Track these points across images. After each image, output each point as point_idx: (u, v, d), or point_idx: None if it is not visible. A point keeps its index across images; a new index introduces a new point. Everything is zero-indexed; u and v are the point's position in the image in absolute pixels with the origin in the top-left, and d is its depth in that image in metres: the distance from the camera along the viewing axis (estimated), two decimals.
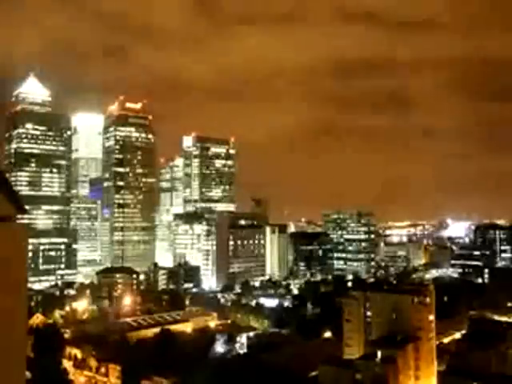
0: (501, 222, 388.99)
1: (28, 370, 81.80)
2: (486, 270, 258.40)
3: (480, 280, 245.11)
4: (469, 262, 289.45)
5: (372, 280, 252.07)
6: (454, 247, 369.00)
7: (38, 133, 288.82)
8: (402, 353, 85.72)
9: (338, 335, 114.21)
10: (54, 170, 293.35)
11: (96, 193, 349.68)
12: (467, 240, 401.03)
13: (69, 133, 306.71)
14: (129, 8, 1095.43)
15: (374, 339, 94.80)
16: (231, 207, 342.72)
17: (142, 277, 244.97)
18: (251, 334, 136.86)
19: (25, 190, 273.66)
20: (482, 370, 73.36)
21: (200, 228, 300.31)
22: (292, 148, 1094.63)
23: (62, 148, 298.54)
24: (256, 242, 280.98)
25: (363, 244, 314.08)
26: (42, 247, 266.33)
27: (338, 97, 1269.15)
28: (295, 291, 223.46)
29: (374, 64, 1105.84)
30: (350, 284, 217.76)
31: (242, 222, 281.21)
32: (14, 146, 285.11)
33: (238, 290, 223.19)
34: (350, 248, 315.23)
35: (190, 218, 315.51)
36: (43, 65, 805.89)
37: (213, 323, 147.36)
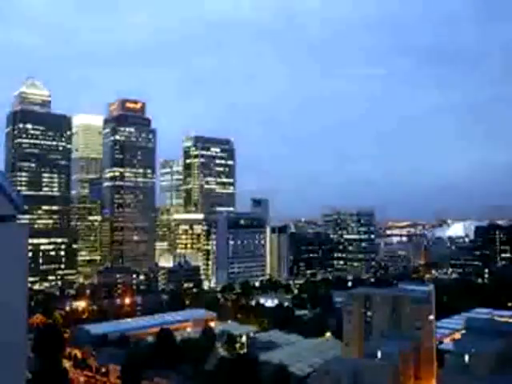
0: (501, 222, 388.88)
1: (28, 370, 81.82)
2: (486, 270, 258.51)
3: (480, 280, 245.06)
4: (469, 262, 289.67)
5: (372, 280, 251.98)
6: (454, 247, 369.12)
7: (38, 133, 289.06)
8: (402, 353, 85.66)
9: (338, 335, 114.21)
10: (54, 170, 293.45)
11: (96, 193, 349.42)
12: (467, 240, 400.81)
13: (69, 133, 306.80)
14: None
15: (374, 339, 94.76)
16: (231, 207, 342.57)
17: (141, 277, 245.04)
18: (251, 334, 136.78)
19: (25, 190, 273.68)
20: (482, 370, 73.23)
21: (200, 228, 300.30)
22: None
23: (61, 148, 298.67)
24: (256, 242, 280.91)
25: (363, 244, 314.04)
26: (42, 247, 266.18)
27: None
28: (295, 291, 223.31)
29: None
30: (350, 284, 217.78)
31: (242, 222, 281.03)
32: (14, 146, 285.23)
33: (238, 289, 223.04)
34: (350, 248, 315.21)
35: (190, 218, 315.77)
36: None
37: (213, 323, 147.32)
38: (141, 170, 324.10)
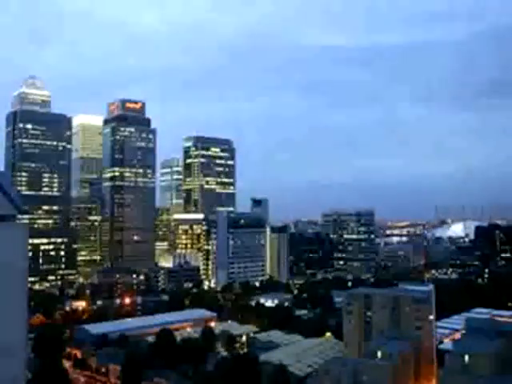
0: (501, 222, 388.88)
1: (28, 370, 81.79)
2: (486, 270, 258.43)
3: (480, 280, 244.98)
4: (469, 262, 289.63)
5: (372, 280, 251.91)
6: (454, 247, 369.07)
7: (38, 133, 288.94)
8: (402, 353, 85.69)
9: (338, 335, 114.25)
10: (54, 170, 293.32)
11: (96, 193, 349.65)
12: (467, 240, 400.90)
13: (69, 133, 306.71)
14: None
15: (374, 339, 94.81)
16: (231, 207, 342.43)
17: (141, 277, 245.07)
18: (251, 334, 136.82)
19: (25, 190, 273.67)
20: (482, 370, 73.26)
21: (200, 228, 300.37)
22: None
23: (61, 148, 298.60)
24: (256, 242, 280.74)
25: (363, 244, 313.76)
26: (42, 247, 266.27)
27: None
28: (295, 291, 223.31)
29: None
30: (350, 284, 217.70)
31: (242, 222, 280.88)
32: (14, 146, 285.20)
33: (238, 289, 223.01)
34: (350, 248, 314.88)
35: (190, 218, 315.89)
36: None
37: (213, 323, 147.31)
38: (141, 170, 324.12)
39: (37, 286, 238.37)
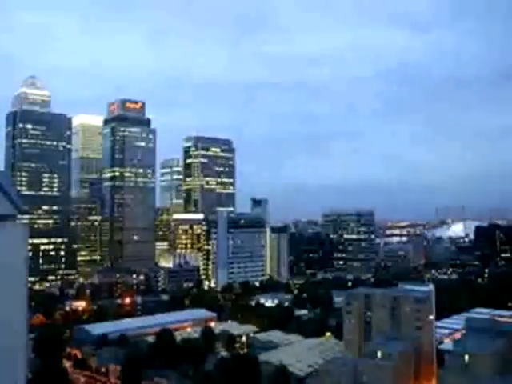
0: (501, 222, 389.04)
1: (29, 370, 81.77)
2: (486, 270, 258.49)
3: (480, 280, 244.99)
4: (469, 262, 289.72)
5: (372, 280, 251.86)
6: (454, 247, 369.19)
7: (38, 133, 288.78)
8: (402, 353, 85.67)
9: (338, 335, 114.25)
10: (54, 170, 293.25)
11: (96, 193, 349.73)
12: (467, 240, 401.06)
13: (69, 133, 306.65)
14: None
15: (374, 339, 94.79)
16: (231, 207, 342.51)
17: (141, 277, 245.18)
18: (251, 334, 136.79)
19: (25, 190, 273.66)
20: (482, 369, 73.27)
21: (200, 228, 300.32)
22: None
23: (61, 148, 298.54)
24: (256, 242, 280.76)
25: (363, 244, 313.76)
26: (42, 247, 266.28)
27: None
28: (295, 291, 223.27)
29: None
30: (350, 284, 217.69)
31: (242, 222, 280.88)
32: (14, 146, 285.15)
33: (238, 289, 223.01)
34: (350, 248, 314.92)
35: (190, 218, 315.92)
36: None
37: (213, 323, 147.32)
38: (141, 170, 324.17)
39: (37, 286, 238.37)
